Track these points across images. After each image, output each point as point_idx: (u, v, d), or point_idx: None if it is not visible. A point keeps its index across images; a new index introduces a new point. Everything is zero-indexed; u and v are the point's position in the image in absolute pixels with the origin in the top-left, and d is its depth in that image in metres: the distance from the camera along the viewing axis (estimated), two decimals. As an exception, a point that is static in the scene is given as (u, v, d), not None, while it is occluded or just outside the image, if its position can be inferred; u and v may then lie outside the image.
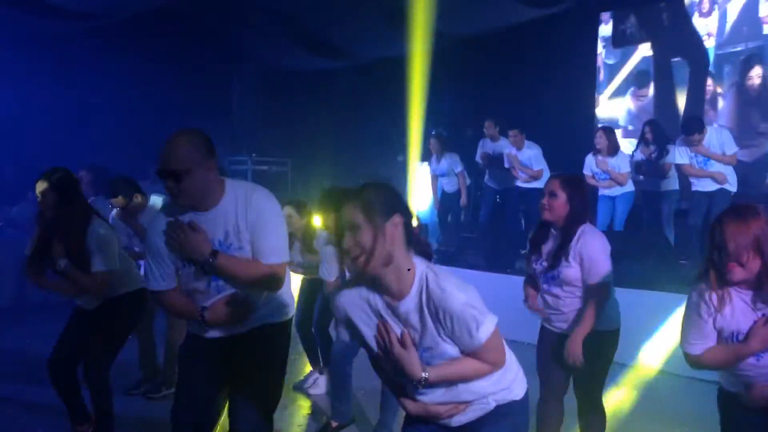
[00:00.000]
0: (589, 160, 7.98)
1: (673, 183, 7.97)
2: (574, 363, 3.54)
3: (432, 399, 2.30)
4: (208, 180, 2.84)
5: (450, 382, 2.27)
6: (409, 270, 2.17)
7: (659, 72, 9.79)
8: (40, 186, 4.01)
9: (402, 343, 2.16)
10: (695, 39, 9.39)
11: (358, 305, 2.28)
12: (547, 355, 3.75)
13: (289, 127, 12.37)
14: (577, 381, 3.75)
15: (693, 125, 7.03)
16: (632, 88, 10.16)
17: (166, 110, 10.49)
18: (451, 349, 2.20)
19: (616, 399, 5.50)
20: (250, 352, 3.05)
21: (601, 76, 10.49)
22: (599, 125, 8.38)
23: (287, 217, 5.41)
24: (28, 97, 10.08)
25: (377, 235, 2.10)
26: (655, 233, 7.78)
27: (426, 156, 11.94)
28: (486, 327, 2.15)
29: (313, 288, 5.44)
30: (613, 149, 7.76)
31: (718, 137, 7.02)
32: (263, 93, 12.57)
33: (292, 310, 3.29)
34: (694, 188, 7.23)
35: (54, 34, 10.10)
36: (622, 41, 10.15)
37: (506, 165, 8.84)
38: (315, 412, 5.18)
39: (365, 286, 2.26)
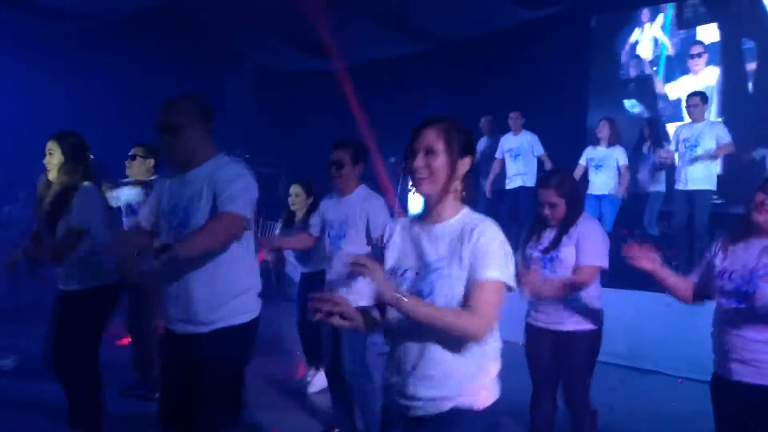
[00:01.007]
0: (588, 150, 8.07)
1: (659, 185, 8.06)
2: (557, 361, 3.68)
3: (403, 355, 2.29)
4: (196, 142, 3.02)
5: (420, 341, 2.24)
6: (457, 207, 2.28)
7: (727, 52, 9.36)
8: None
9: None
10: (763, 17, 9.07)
11: (403, 229, 2.38)
12: (537, 354, 3.81)
13: (282, 128, 12.40)
14: (563, 381, 3.79)
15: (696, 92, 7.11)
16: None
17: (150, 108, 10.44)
18: (447, 289, 2.20)
19: (608, 399, 5.52)
20: (204, 356, 3.03)
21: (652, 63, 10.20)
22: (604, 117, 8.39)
23: (294, 196, 5.65)
24: (19, 97, 10.06)
25: (449, 166, 2.22)
26: (645, 234, 7.87)
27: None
28: (499, 272, 2.17)
29: (312, 286, 5.49)
30: (615, 140, 7.84)
31: (710, 130, 6.96)
32: (258, 94, 12.58)
33: (255, 312, 3.19)
34: (676, 187, 7.21)
35: (46, 34, 10.08)
36: (687, 23, 9.80)
37: (498, 156, 8.90)
38: (314, 413, 5.18)
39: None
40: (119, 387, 5.17)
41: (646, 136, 8.30)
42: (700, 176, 6.91)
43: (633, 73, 10.27)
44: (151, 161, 5.39)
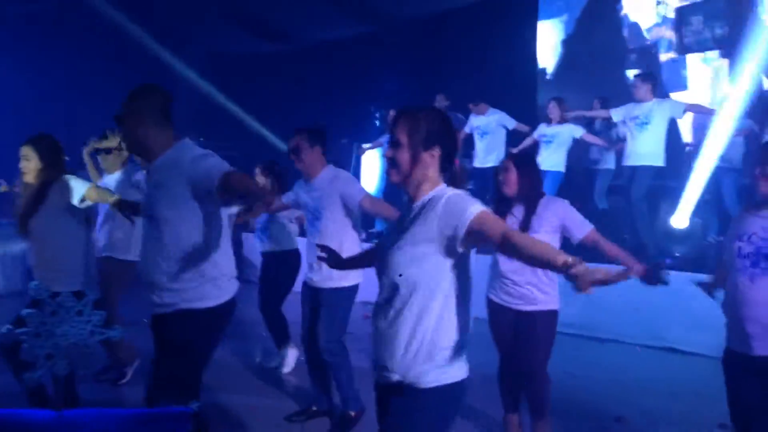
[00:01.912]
0: (540, 126, 8.30)
1: (609, 161, 8.25)
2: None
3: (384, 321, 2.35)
4: (147, 131, 3.04)
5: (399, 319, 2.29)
6: (430, 187, 2.35)
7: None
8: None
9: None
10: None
11: None
12: (500, 329, 3.92)
13: (236, 111, 12.28)
14: (523, 356, 3.88)
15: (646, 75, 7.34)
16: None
17: (108, 94, 10.25)
18: (399, 258, 2.28)
19: (569, 367, 5.66)
20: (161, 336, 3.06)
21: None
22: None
23: (257, 176, 5.66)
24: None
25: (411, 158, 2.31)
26: (592, 209, 8.07)
27: (369, 138, 12.02)
28: (477, 205, 2.20)
29: (271, 263, 5.52)
30: (563, 119, 8.06)
31: (659, 105, 7.17)
32: (209, 77, 12.43)
33: (216, 300, 3.08)
34: (623, 163, 7.46)
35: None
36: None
37: (467, 130, 8.95)
38: (290, 392, 5.20)
39: None
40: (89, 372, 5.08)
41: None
42: (645, 152, 7.15)
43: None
44: (125, 153, 5.31)
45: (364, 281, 4.35)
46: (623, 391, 5.23)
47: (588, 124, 8.44)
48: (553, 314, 3.85)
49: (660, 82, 8.41)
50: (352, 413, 4.44)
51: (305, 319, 4.51)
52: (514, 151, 7.16)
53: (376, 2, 10.72)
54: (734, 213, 6.62)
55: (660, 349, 6.33)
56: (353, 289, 4.36)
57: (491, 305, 3.96)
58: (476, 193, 2.59)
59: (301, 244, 5.15)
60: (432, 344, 2.27)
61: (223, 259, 3.11)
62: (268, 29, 11.47)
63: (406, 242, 2.28)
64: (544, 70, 10.79)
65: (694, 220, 7.60)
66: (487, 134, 8.82)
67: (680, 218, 7.23)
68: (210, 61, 12.72)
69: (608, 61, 9.69)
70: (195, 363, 3.06)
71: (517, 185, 3.82)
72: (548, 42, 10.67)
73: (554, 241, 3.76)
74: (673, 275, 6.37)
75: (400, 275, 2.27)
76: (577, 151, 8.36)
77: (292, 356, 5.62)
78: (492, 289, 3.95)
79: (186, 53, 12.20)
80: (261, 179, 5.63)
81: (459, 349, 2.31)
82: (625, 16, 9.74)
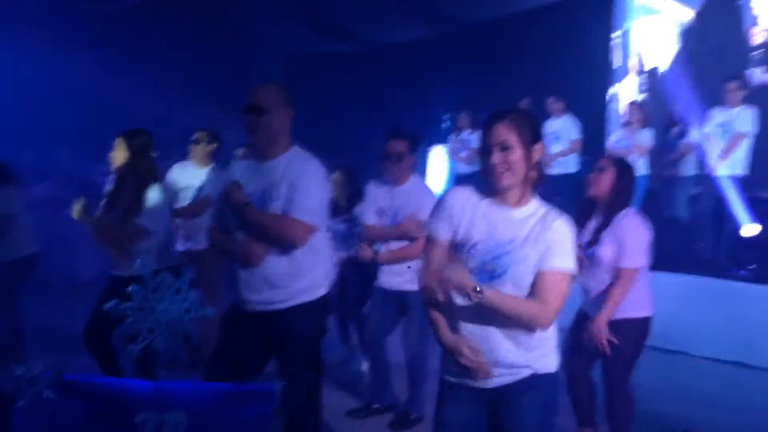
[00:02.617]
0: (617, 132, 8.32)
1: (689, 168, 8.05)
2: (597, 347, 3.64)
3: (470, 333, 2.39)
4: (278, 132, 3.19)
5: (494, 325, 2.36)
6: (531, 194, 2.42)
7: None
8: None
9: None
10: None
11: (469, 202, 2.46)
12: (578, 335, 3.84)
13: (302, 113, 12.45)
14: (603, 366, 3.81)
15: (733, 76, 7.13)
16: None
17: (182, 97, 10.58)
18: (522, 271, 2.33)
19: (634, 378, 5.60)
20: (284, 330, 3.19)
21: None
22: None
23: (335, 183, 5.57)
24: (42, 79, 10.16)
25: (525, 155, 2.33)
26: (672, 217, 7.91)
27: (436, 140, 12.03)
28: (571, 261, 2.33)
29: (349, 272, 5.62)
30: (645, 123, 7.98)
31: (738, 114, 6.95)
32: (282, 77, 12.64)
33: (324, 289, 3.32)
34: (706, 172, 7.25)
35: (69, 17, 10.15)
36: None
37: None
38: (355, 391, 5.24)
39: (477, 192, 2.48)
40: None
41: (675, 120, 8.24)
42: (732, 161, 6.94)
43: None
44: (214, 145, 5.51)
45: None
46: (689, 405, 5.14)
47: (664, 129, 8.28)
48: (636, 322, 3.72)
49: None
50: (413, 416, 4.51)
51: (380, 320, 4.58)
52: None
53: (443, 5, 10.74)
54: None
55: (729, 362, 6.18)
56: None
57: (578, 314, 3.91)
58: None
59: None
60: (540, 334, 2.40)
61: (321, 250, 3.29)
62: (337, 30, 11.62)
63: (517, 247, 2.34)
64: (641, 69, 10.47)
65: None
66: (560, 139, 8.74)
67: (751, 227, 7.05)
68: (280, 61, 12.93)
69: (728, 59, 9.02)
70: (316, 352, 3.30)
71: (609, 189, 3.69)
72: (661, 38, 10.03)
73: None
74: (746, 287, 6.33)
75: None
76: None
77: (360, 357, 5.63)
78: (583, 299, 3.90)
79: (260, 56, 12.46)
80: (339, 183, 5.57)
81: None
82: (749, 8, 8.97)
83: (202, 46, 10.83)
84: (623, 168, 3.74)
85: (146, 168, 4.21)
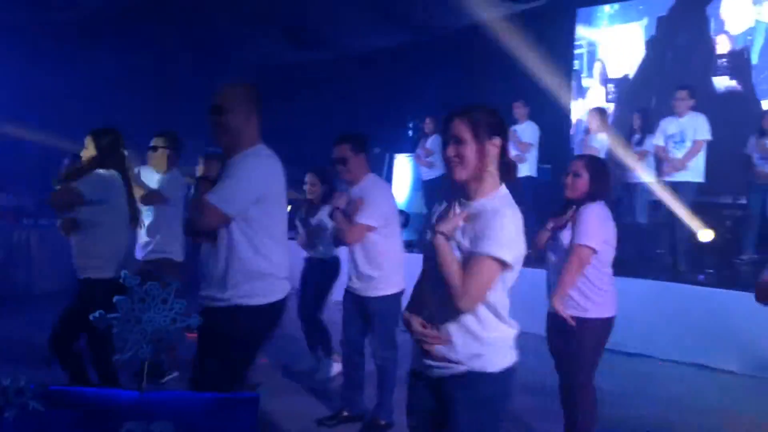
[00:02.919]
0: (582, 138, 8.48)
1: (647, 174, 8.22)
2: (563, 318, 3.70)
3: (430, 312, 2.44)
4: (241, 125, 3.15)
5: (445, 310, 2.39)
6: (491, 187, 2.43)
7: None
8: None
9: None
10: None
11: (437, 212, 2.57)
12: (553, 339, 3.90)
13: (271, 120, 12.43)
14: (563, 367, 3.88)
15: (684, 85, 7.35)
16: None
17: (154, 105, 10.49)
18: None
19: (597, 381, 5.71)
20: (210, 331, 2.97)
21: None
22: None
23: (309, 185, 5.74)
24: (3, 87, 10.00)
25: (478, 151, 2.38)
26: (631, 223, 8.06)
27: (402, 148, 12.11)
28: (503, 249, 2.30)
29: (314, 270, 5.67)
30: (603, 129, 8.13)
31: (693, 120, 7.18)
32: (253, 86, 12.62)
33: (269, 297, 3.18)
34: (665, 178, 7.42)
35: (30, 24, 10.00)
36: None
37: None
38: (323, 396, 5.25)
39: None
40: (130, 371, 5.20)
41: (636, 128, 8.42)
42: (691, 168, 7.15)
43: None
44: (173, 150, 5.41)
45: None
46: (650, 406, 5.25)
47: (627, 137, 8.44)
48: (598, 322, 3.77)
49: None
50: (382, 422, 4.51)
51: (348, 325, 4.60)
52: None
53: (411, 13, 10.81)
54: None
55: (689, 364, 6.34)
56: (398, 297, 4.45)
57: (548, 315, 3.94)
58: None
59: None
60: (482, 331, 2.40)
61: (273, 257, 3.18)
62: (305, 38, 11.61)
63: (462, 241, 2.37)
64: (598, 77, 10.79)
65: (726, 237, 7.62)
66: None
67: (706, 233, 7.25)
68: (254, 72, 12.89)
69: (693, 67, 9.42)
70: (242, 359, 3.18)
71: (584, 193, 3.77)
72: (626, 47, 10.34)
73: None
74: (707, 291, 6.50)
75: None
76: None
77: (336, 368, 5.62)
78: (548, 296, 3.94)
79: (231, 64, 12.39)
80: (315, 186, 5.69)
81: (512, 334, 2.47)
82: (715, 18, 9.32)
83: (174, 55, 10.76)
84: (597, 170, 3.81)
85: (114, 163, 4.27)
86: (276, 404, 4.80)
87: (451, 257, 2.33)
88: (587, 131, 8.31)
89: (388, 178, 11.78)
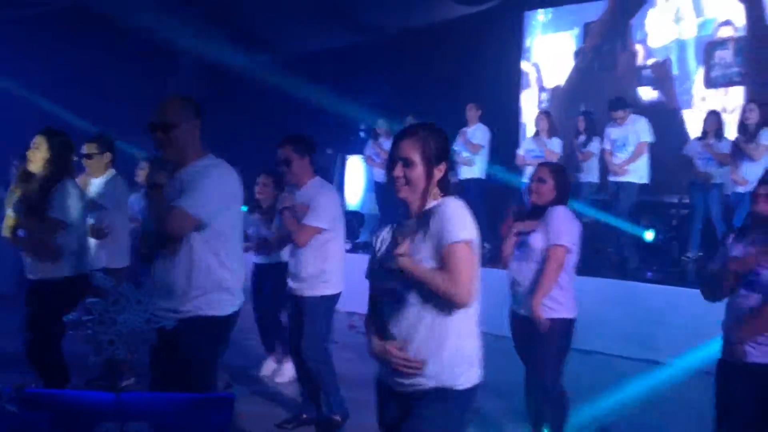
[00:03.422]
0: (528, 141, 8.59)
1: (591, 175, 8.44)
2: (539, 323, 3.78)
3: (398, 334, 2.43)
4: (188, 139, 3.15)
5: (413, 331, 2.40)
6: (431, 201, 2.47)
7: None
8: None
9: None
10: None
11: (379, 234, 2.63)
12: (521, 341, 3.99)
13: (222, 121, 12.35)
14: (531, 368, 3.96)
15: (617, 103, 7.60)
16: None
17: (99, 104, 10.28)
18: (428, 264, 2.40)
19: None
20: (173, 343, 2.89)
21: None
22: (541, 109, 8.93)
23: (262, 185, 5.72)
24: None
25: (425, 174, 2.43)
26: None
27: (354, 149, 12.15)
28: (465, 231, 2.37)
29: (267, 274, 5.62)
30: (552, 132, 8.32)
31: (635, 124, 7.53)
32: (197, 86, 12.49)
33: (231, 307, 3.22)
34: (609, 178, 7.75)
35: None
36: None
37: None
38: (280, 401, 5.25)
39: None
40: (85, 377, 5.12)
41: (581, 130, 8.63)
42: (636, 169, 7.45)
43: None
44: (108, 155, 5.31)
45: (348, 291, 4.44)
46: (606, 401, 5.30)
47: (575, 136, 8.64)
48: (564, 323, 3.87)
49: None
50: (338, 418, 4.52)
51: (291, 326, 4.63)
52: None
53: (362, 14, 10.86)
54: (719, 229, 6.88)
55: (642, 361, 6.49)
56: (334, 298, 4.49)
57: (512, 317, 4.03)
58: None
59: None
60: (458, 348, 2.42)
61: (227, 269, 3.19)
62: (253, 39, 11.56)
63: (413, 254, 2.39)
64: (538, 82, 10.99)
65: (669, 235, 7.85)
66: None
67: (649, 233, 7.50)
68: (200, 72, 12.77)
69: (620, 76, 9.87)
70: (205, 370, 3.19)
71: (550, 198, 3.89)
72: (559, 54, 10.67)
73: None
74: (656, 288, 6.67)
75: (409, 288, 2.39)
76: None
77: (290, 367, 5.57)
78: (512, 299, 4.02)
79: (176, 63, 12.25)
80: (268, 187, 5.66)
81: (478, 352, 2.50)
82: (639, 30, 9.77)
83: (121, 56, 10.60)
84: (561, 177, 3.96)
85: (64, 169, 4.22)
86: (236, 409, 4.77)
87: (426, 269, 2.36)
88: (536, 134, 8.47)
89: (341, 180, 11.82)
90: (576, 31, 10.40)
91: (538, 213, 3.93)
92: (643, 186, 7.50)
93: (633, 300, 6.70)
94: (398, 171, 2.43)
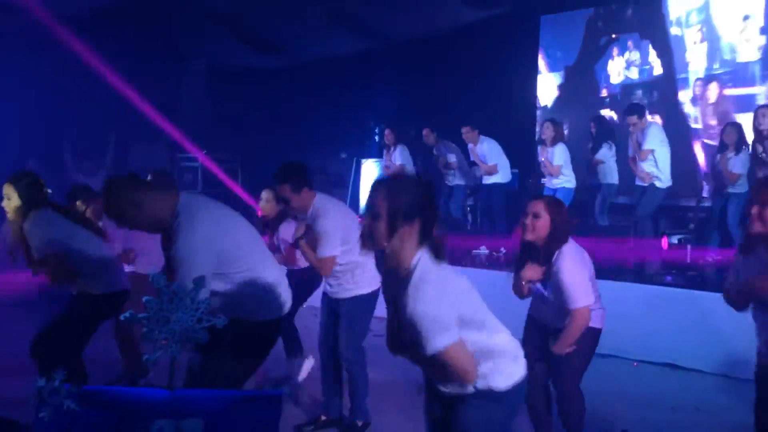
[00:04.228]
0: (540, 150, 8.59)
1: (610, 177, 8.45)
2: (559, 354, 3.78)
3: None
4: (149, 211, 3.10)
5: None
6: (410, 258, 2.32)
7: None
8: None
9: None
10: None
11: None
12: (533, 344, 3.93)
13: (238, 125, 12.43)
14: (556, 372, 3.95)
15: (632, 108, 7.58)
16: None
17: (114, 108, 10.38)
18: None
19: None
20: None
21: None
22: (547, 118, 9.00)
23: (264, 201, 5.80)
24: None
25: (391, 230, 2.29)
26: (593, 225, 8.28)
27: (368, 153, 12.20)
28: (436, 342, 2.23)
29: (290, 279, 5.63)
30: (558, 140, 8.29)
31: (649, 132, 7.47)
32: (212, 91, 12.57)
33: (264, 314, 3.35)
34: (636, 182, 7.68)
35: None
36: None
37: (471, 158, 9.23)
38: (303, 403, 5.25)
39: None
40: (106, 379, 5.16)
41: (593, 134, 8.66)
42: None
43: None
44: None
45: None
46: (625, 406, 5.34)
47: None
48: (593, 333, 3.85)
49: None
50: (359, 423, 4.56)
51: (324, 328, 4.65)
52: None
53: (377, 20, 10.91)
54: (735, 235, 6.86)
55: (659, 364, 6.48)
56: (372, 296, 4.49)
57: (528, 320, 4.03)
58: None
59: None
60: (489, 348, 2.45)
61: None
62: (269, 44, 11.63)
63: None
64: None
65: (686, 239, 7.84)
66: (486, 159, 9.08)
67: (664, 241, 7.51)
68: (214, 75, 12.85)
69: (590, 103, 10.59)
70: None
71: (546, 234, 3.67)
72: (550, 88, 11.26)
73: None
74: (675, 292, 6.65)
75: None
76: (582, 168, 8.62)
77: (307, 366, 5.68)
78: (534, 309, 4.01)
79: (190, 67, 12.34)
80: (270, 203, 5.73)
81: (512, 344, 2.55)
82: (602, 70, 10.75)
83: (129, 57, 10.65)
84: (556, 210, 3.72)
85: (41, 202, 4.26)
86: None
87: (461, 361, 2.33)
88: (543, 143, 8.49)
89: (355, 184, 11.86)
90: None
91: (537, 253, 3.73)
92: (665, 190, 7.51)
93: (652, 304, 6.68)
94: (366, 220, 2.34)
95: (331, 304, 4.59)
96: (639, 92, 10.20)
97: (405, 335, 2.30)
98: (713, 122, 9.31)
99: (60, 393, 1.62)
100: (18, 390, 4.75)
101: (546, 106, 11.26)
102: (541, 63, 11.24)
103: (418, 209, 2.30)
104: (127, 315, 1.77)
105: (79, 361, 4.36)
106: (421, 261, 2.30)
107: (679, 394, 5.73)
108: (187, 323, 1.76)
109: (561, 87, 11.21)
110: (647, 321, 6.60)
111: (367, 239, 2.33)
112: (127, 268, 5.22)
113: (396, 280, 2.36)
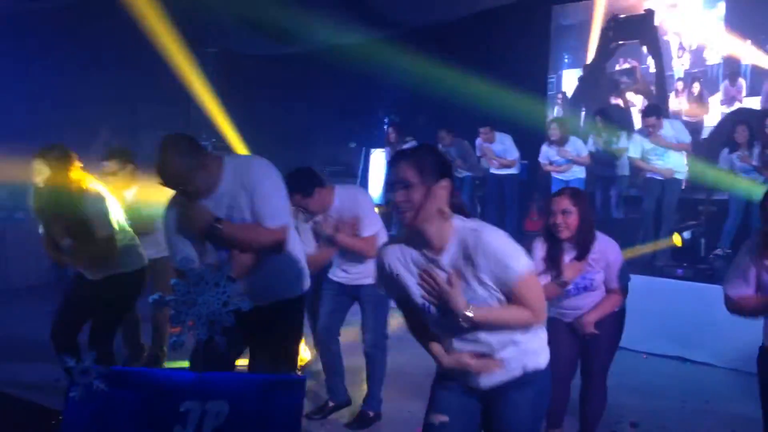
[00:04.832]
0: (545, 149, 8.39)
1: (623, 169, 8.44)
2: (586, 334, 3.81)
3: (465, 349, 2.47)
4: (208, 175, 3.06)
5: (488, 331, 2.43)
6: (448, 226, 2.38)
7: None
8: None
9: (449, 282, 2.34)
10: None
11: (400, 260, 2.48)
12: (558, 341, 3.81)
13: (248, 112, 12.41)
14: (587, 361, 3.99)
15: (650, 110, 7.55)
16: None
17: (123, 96, 10.40)
18: (491, 299, 2.37)
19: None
20: (269, 325, 3.27)
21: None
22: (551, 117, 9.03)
23: None
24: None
25: (427, 194, 2.31)
26: (605, 218, 8.25)
27: (378, 143, 12.19)
28: (523, 260, 2.34)
29: None
30: (566, 138, 8.27)
31: (672, 128, 7.50)
32: (222, 78, 12.56)
33: (305, 286, 3.51)
34: (648, 175, 7.69)
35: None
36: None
37: (477, 154, 9.35)
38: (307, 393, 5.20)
39: (405, 243, 2.48)
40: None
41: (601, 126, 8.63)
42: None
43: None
44: (130, 166, 5.37)
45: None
46: (635, 398, 5.35)
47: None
48: (618, 314, 3.92)
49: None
50: (371, 413, 4.58)
51: (328, 315, 4.61)
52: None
53: (387, 9, 10.88)
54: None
55: (669, 357, 6.48)
56: None
57: (553, 322, 4.00)
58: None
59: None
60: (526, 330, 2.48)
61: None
62: (279, 32, 11.60)
63: (469, 299, 2.35)
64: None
65: (698, 232, 7.82)
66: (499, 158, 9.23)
67: (677, 238, 7.53)
68: (223, 63, 12.84)
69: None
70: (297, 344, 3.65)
71: (577, 228, 3.62)
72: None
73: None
74: (683, 285, 6.64)
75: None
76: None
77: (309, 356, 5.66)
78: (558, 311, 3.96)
79: (200, 54, 12.30)
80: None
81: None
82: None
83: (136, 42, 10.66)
84: (581, 201, 3.69)
85: (72, 181, 4.18)
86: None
87: (499, 313, 2.38)
88: (549, 141, 8.46)
89: (365, 173, 11.86)
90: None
91: (560, 251, 3.70)
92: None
93: (663, 297, 6.68)
94: (399, 196, 2.33)
95: (344, 291, 4.57)
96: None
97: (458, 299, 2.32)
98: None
99: (90, 373, 1.65)
100: (44, 374, 4.88)
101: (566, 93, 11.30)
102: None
103: (444, 169, 2.38)
104: (156, 297, 1.79)
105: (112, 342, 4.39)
106: (462, 225, 2.38)
107: (689, 388, 5.74)
108: (214, 306, 1.78)
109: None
110: (658, 314, 6.60)
111: (407, 211, 2.32)
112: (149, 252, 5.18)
113: (428, 253, 2.40)
